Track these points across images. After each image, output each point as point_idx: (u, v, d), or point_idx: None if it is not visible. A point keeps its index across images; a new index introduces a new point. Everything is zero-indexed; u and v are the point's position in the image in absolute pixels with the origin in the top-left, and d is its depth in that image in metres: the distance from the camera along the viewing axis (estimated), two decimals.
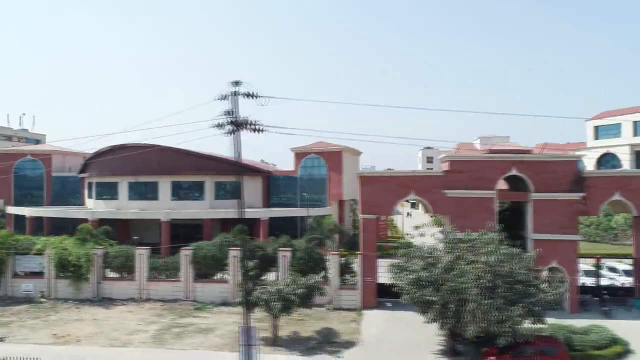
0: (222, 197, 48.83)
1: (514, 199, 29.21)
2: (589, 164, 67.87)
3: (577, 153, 64.03)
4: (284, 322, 27.41)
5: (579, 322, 24.56)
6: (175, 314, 29.14)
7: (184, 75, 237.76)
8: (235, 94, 14.43)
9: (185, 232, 43.69)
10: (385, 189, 29.29)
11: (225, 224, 48.57)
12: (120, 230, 47.50)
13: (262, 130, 15.26)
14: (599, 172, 29.35)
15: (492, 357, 19.49)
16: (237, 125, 14.69)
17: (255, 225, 43.89)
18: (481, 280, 18.27)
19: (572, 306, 27.75)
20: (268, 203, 51.82)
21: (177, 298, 31.74)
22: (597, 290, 29.49)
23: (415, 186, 29.03)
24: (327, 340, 24.35)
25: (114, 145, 48.01)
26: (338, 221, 49.76)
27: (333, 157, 49.28)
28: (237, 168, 49.17)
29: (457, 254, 20.21)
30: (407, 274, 20.71)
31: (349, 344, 23.65)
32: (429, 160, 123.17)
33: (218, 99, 14.34)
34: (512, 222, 30.40)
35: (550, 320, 24.55)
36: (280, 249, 31.26)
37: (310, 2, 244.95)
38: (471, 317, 18.15)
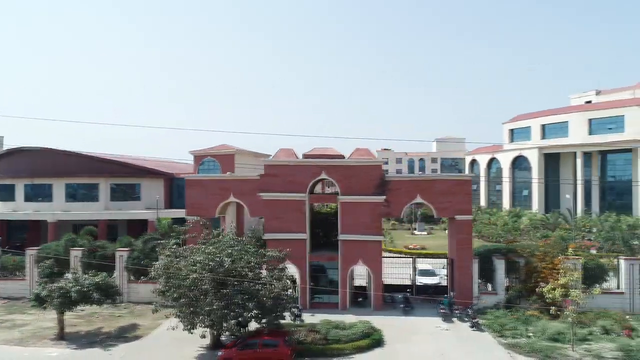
0: (119, 198, 50.21)
1: (324, 201, 30.61)
2: (505, 166, 69.46)
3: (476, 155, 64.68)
4: (101, 318, 29.06)
5: (373, 319, 26.30)
6: (7, 311, 30.55)
7: (184, 75, 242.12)
8: None
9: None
10: (209, 191, 30.67)
11: (132, 225, 50.15)
12: (31, 233, 49.27)
13: None
14: (401, 176, 30.73)
15: (225, 350, 20.96)
16: None
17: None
18: (191, 277, 19.76)
19: (376, 304, 29.16)
20: (171, 204, 53.16)
21: (23, 296, 33.16)
22: (403, 288, 30.89)
23: (235, 189, 30.42)
24: (120, 335, 25.74)
25: (12, 148, 49.46)
26: (236, 222, 51.15)
27: (227, 160, 50.68)
28: (134, 170, 51.02)
29: (201, 252, 21.62)
30: (155, 271, 22.26)
31: (134, 338, 25.08)
32: (384, 162, 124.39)
33: None
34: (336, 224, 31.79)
35: (343, 317, 26.38)
36: (119, 249, 32.68)
37: (310, 2, 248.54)
38: (186, 310, 19.66)
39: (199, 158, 52.26)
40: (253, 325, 22.30)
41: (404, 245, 57.40)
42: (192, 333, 20.86)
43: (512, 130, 68.87)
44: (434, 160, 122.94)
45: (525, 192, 66.18)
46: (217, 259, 20.22)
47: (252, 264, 21.35)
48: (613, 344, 22.62)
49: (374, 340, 23.19)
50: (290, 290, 23.49)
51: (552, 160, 64.57)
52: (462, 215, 29.05)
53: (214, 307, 19.12)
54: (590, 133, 58.07)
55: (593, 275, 29.55)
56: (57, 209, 47.76)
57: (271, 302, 20.43)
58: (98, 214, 47.65)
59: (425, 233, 70.55)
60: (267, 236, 29.90)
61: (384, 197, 28.92)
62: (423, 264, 36.20)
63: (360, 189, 29.07)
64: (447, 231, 75.03)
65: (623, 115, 54.73)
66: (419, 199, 29.21)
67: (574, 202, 61.57)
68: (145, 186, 51.55)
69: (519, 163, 67.20)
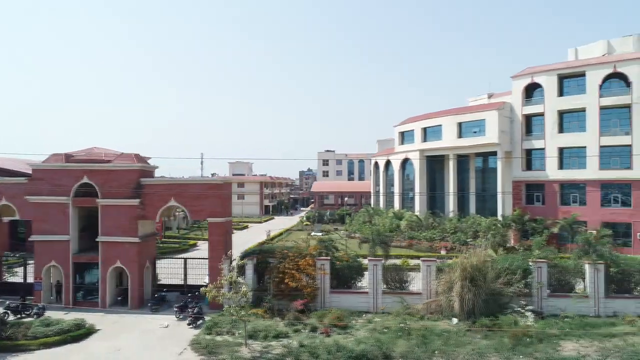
0: None
1: (86, 204, 31.59)
2: (395, 168, 70.64)
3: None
4: None
5: (114, 317, 27.82)
6: None
7: (176, 75, 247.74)
8: None
9: None
10: None
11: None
12: None
13: None
14: (156, 180, 31.69)
15: None
16: None
17: None
18: None
19: (132, 303, 30.32)
20: None
21: None
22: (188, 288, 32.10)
23: (7, 192, 31.57)
24: None
25: None
26: None
27: None
28: None
29: None
30: None
31: None
32: (325, 162, 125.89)
33: None
34: None
35: (95, 315, 27.76)
36: None
37: (305, 3, 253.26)
38: None
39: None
40: None
41: None
42: None
43: (402, 133, 70.05)
44: None
45: (411, 194, 67.38)
46: None
47: None
48: (292, 340, 23.82)
49: (71, 336, 24.33)
50: None
51: (436, 163, 65.81)
52: (214, 217, 30.26)
53: None
54: (460, 136, 59.27)
55: (344, 275, 30.84)
56: None
57: None
58: None
59: (320, 234, 71.75)
60: (33, 237, 31.11)
61: (139, 200, 30.14)
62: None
63: (119, 192, 30.26)
64: (342, 232, 76.89)
65: (484, 119, 55.92)
66: (173, 202, 30.44)
67: (452, 204, 62.88)
68: None
69: (408, 165, 68.43)
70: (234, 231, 79.52)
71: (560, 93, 54.04)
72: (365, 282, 31.06)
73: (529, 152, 56.42)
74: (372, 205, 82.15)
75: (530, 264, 28.97)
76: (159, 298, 30.39)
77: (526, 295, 28.46)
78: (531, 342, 23.67)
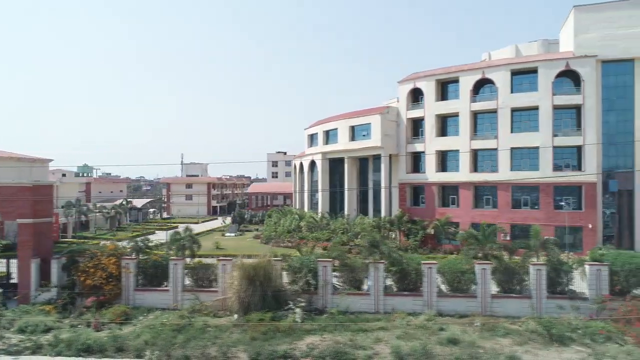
0: None
1: None
2: (305, 170, 72.20)
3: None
4: None
5: None
6: None
7: (176, 75, 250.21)
8: None
9: None
10: None
11: None
12: None
13: None
14: None
15: None
16: None
17: None
18: None
19: None
20: None
21: None
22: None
23: None
24: None
25: None
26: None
27: None
28: None
29: None
30: None
31: None
32: (274, 164, 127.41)
33: None
34: None
35: None
36: None
37: (306, 3, 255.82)
38: None
39: None
40: None
41: None
42: None
43: (311, 136, 71.62)
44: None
45: (316, 195, 69.01)
46: None
47: None
48: (50, 335, 25.40)
49: None
50: None
51: (341, 165, 67.38)
52: (23, 219, 31.75)
53: None
54: (352, 139, 60.89)
55: (151, 274, 32.34)
56: None
57: None
58: None
59: (234, 235, 73.43)
60: None
61: None
62: None
63: None
64: (254, 233, 78.39)
65: (370, 123, 57.53)
66: None
67: (357, 205, 64.43)
68: None
69: (315, 167, 70.01)
70: (156, 231, 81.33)
71: (444, 98, 55.73)
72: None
73: (416, 155, 58.06)
74: (292, 206, 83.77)
75: (315, 263, 30.51)
76: None
77: (312, 293, 30.06)
78: (278, 336, 25.27)
